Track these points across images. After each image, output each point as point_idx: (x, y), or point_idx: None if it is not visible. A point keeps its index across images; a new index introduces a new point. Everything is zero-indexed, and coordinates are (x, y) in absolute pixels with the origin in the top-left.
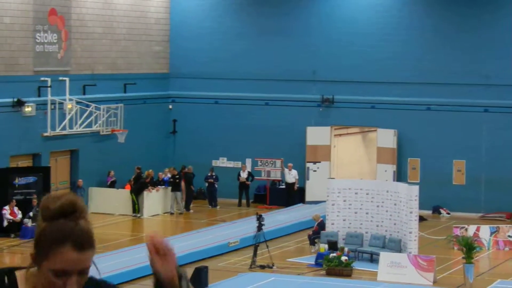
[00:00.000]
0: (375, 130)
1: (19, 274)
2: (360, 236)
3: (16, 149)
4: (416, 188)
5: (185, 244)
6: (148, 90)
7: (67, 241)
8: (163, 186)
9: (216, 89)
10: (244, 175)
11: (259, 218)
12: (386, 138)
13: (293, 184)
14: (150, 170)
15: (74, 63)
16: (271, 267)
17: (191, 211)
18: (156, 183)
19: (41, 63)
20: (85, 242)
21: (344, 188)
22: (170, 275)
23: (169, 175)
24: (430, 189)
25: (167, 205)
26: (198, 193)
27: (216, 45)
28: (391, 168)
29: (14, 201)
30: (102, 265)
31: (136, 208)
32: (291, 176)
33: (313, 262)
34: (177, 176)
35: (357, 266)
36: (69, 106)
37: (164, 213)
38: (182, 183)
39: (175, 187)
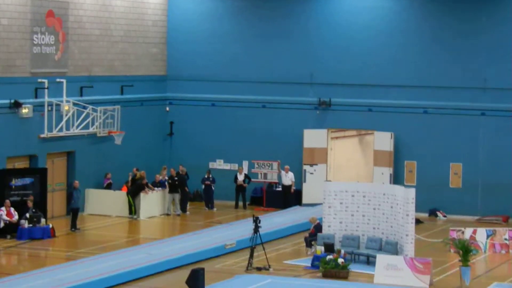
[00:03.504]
0: (372, 133)
1: None
2: (357, 239)
3: (13, 151)
4: (412, 191)
5: (182, 246)
6: (145, 92)
7: None
8: (160, 188)
9: (213, 91)
10: (241, 177)
11: (256, 220)
12: (383, 141)
13: (289, 186)
14: (142, 171)
15: (72, 65)
16: (268, 269)
17: (188, 213)
18: (153, 184)
19: (38, 65)
20: None
21: (340, 190)
22: None
23: (166, 177)
24: (427, 192)
25: (164, 207)
26: (195, 195)
27: (214, 47)
28: (388, 171)
29: (8, 201)
30: (99, 267)
31: (133, 209)
32: (288, 178)
33: (310, 264)
34: (176, 178)
35: (354, 268)
36: (66, 107)
37: (161, 214)
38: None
39: (173, 189)
